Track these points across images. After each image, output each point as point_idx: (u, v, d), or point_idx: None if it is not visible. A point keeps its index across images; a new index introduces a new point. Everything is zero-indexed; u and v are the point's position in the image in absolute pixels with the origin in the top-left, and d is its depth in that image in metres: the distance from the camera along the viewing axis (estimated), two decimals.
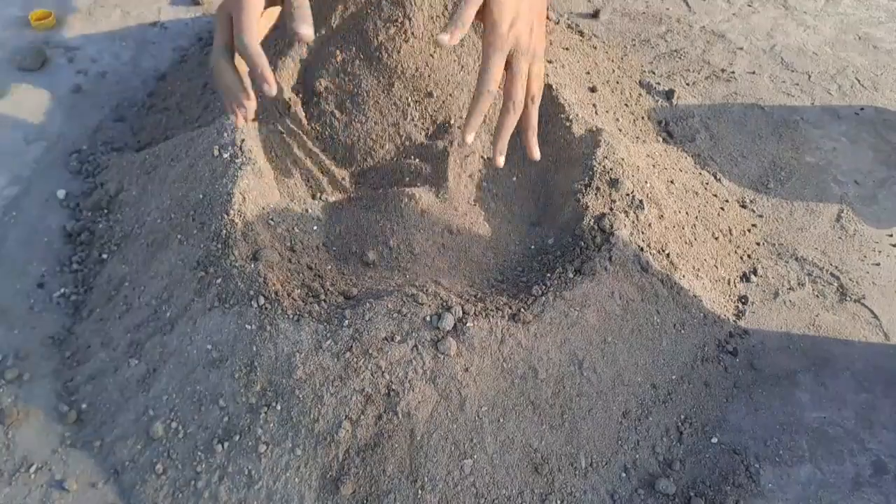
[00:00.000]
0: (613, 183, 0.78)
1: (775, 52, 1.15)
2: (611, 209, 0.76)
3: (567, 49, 1.02)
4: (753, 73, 1.11)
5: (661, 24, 1.19)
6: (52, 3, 1.14)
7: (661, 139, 0.99)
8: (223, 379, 0.65)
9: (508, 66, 0.71)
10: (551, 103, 0.89)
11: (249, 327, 0.65)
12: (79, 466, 0.65)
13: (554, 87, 0.90)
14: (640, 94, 1.04)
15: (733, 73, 1.10)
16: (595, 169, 0.79)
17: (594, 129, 0.84)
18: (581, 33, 1.13)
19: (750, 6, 1.24)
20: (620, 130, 0.94)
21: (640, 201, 0.77)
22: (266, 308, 0.66)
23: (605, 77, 1.03)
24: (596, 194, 0.77)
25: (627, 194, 0.77)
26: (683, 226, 0.81)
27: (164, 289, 0.72)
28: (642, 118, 1.00)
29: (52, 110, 0.99)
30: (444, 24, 0.86)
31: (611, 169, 0.79)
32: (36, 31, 1.10)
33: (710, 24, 1.19)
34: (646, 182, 0.81)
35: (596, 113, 0.93)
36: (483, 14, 0.70)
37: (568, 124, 0.86)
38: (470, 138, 0.70)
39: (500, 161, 0.73)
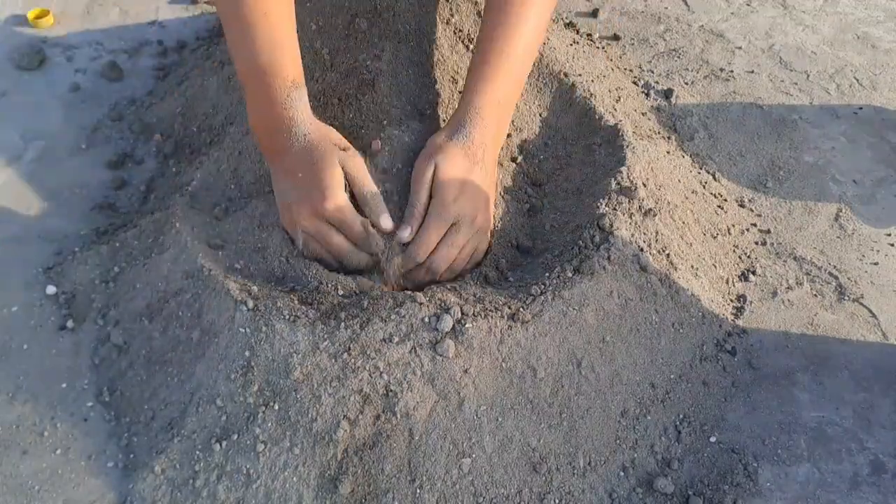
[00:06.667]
0: (626, 191, 0.78)
1: (774, 52, 1.14)
2: (613, 209, 0.76)
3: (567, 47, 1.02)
4: (752, 72, 1.11)
5: (660, 23, 1.18)
6: (50, 1, 1.14)
7: (659, 138, 0.98)
8: (219, 379, 0.65)
9: (446, 235, 0.74)
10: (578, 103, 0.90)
11: (244, 330, 0.65)
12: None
13: (578, 86, 0.90)
14: (638, 93, 1.04)
15: (732, 72, 1.10)
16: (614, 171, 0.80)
17: (616, 126, 0.85)
18: (579, 31, 1.13)
19: (748, 5, 1.24)
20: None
21: (648, 206, 0.77)
22: (261, 309, 0.66)
23: (604, 76, 1.02)
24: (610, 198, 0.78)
25: (639, 199, 0.77)
26: (682, 225, 0.81)
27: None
28: (640, 117, 1.00)
29: (51, 109, 0.99)
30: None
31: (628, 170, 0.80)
32: (34, 29, 1.10)
33: (708, 24, 1.19)
34: (657, 187, 0.81)
35: None
36: (432, 191, 0.74)
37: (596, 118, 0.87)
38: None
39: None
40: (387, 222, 0.73)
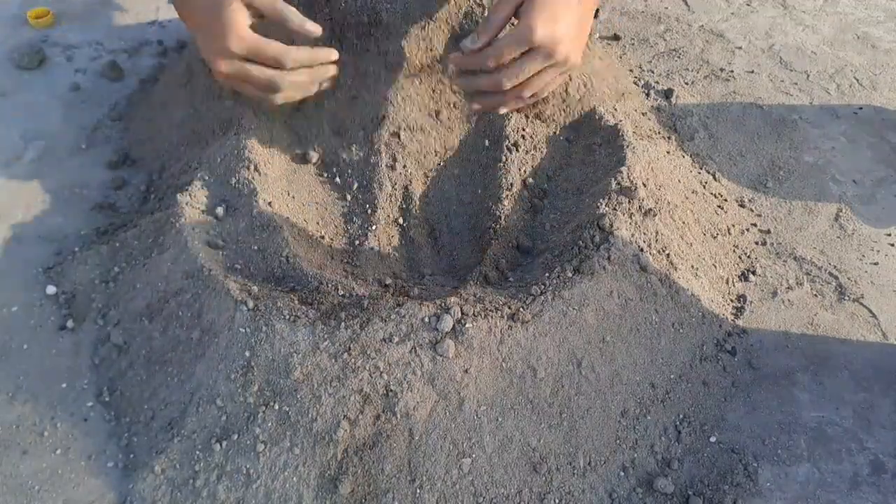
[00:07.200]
0: (626, 191, 0.77)
1: (774, 52, 1.15)
2: (613, 209, 0.76)
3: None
4: (752, 72, 1.11)
5: (660, 23, 1.19)
6: (50, 1, 1.14)
7: (659, 138, 0.98)
8: (219, 379, 0.65)
9: (520, 57, 0.68)
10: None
11: (244, 330, 0.65)
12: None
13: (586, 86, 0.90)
14: (638, 93, 1.04)
15: (732, 72, 1.10)
16: (613, 172, 0.79)
17: (616, 126, 0.85)
18: None
19: (748, 5, 1.24)
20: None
21: (648, 206, 0.77)
22: (261, 309, 0.66)
23: (603, 76, 1.03)
24: (611, 198, 0.77)
25: (639, 199, 0.77)
26: (682, 225, 0.81)
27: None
28: (640, 117, 1.00)
29: (51, 109, 0.99)
30: None
31: (628, 171, 0.79)
32: (34, 29, 1.10)
33: (708, 24, 1.19)
34: (657, 187, 0.81)
35: None
36: (520, 12, 0.67)
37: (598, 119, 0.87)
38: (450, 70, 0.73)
39: (475, 107, 0.74)
40: (314, 27, 0.70)
